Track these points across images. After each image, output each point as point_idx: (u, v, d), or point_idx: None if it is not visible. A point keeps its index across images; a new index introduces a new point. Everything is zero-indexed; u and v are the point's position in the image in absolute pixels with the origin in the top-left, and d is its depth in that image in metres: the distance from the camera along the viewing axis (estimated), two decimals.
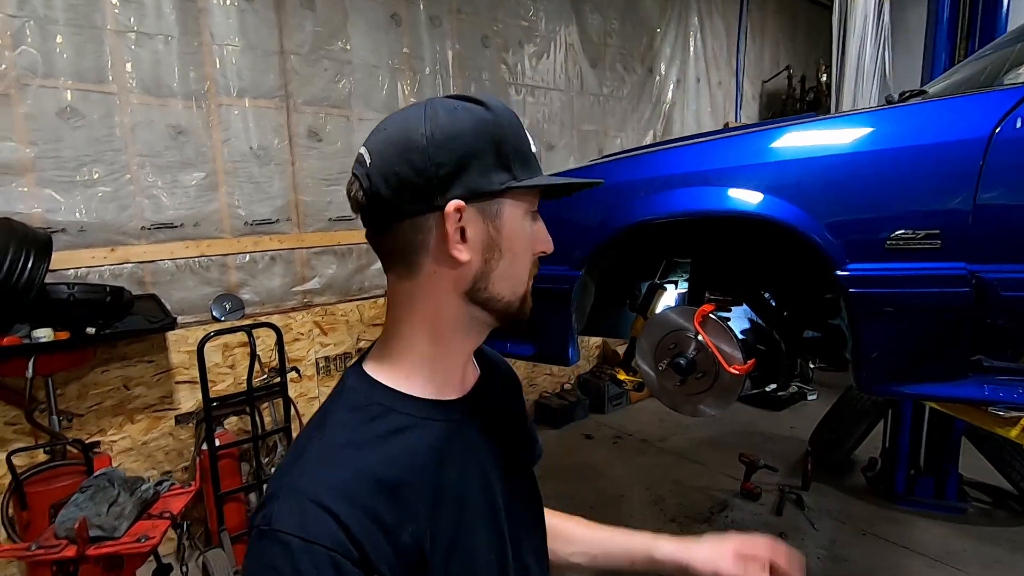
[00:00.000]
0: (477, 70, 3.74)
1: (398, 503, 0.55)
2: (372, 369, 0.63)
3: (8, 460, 1.85)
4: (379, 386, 0.61)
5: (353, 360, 0.69)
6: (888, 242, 1.15)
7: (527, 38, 3.99)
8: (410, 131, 0.57)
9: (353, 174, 0.60)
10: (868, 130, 1.22)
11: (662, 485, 3.23)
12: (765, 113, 6.11)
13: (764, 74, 6.06)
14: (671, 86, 5.01)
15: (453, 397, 0.65)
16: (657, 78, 4.91)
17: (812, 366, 4.87)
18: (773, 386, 1.77)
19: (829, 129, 1.28)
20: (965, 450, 2.86)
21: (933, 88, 1.50)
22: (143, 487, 1.50)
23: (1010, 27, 2.50)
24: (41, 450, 2.19)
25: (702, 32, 5.20)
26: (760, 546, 0.79)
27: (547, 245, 0.66)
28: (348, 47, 3.16)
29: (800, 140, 1.29)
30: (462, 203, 0.57)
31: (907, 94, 1.47)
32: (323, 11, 3.05)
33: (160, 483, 1.59)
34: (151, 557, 1.45)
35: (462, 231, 0.58)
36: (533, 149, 0.63)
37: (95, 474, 1.55)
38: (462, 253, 0.59)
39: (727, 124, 5.55)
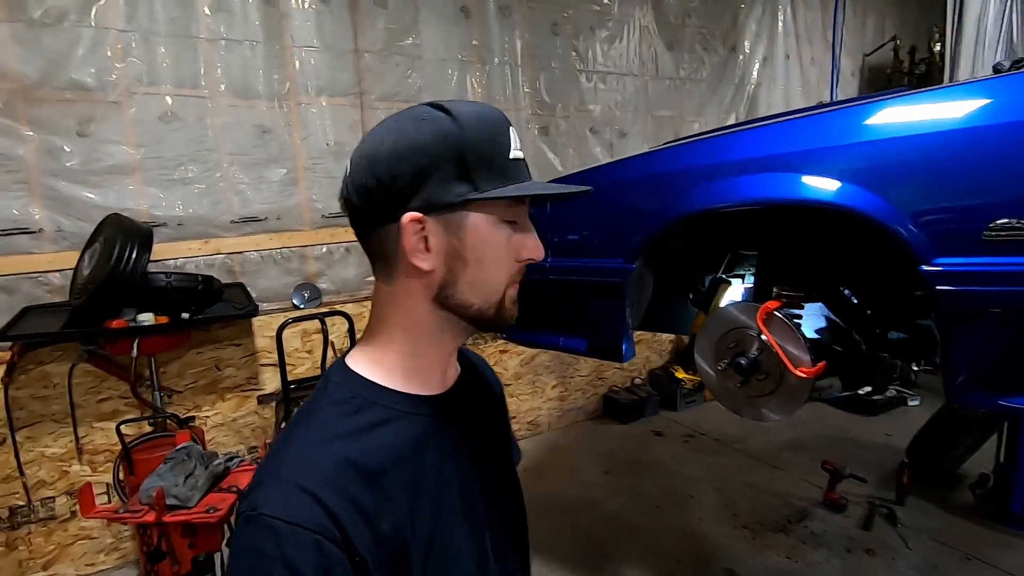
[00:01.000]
0: (546, 59, 3.69)
1: (378, 492, 0.56)
2: (356, 365, 0.65)
3: (117, 430, 2.08)
4: (362, 380, 0.63)
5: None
6: (986, 233, 1.00)
7: (599, 23, 3.88)
8: (377, 143, 0.60)
9: (342, 181, 0.63)
10: (964, 104, 1.07)
11: (736, 488, 3.07)
12: (867, 90, 5.56)
13: (866, 47, 5.51)
14: (756, 65, 4.68)
15: (434, 393, 0.67)
16: (741, 57, 4.60)
17: (915, 368, 4.42)
18: (868, 389, 1.62)
19: (915, 105, 1.13)
20: None
21: None
22: (216, 462, 1.64)
23: None
24: (146, 422, 2.44)
25: (793, 4, 4.81)
26: None
27: (533, 252, 0.64)
28: (419, 42, 3.23)
29: (881, 119, 1.15)
30: (419, 215, 0.58)
31: (1022, 61, 1.27)
32: (395, 8, 3.13)
33: (231, 459, 1.72)
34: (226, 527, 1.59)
35: (425, 240, 0.59)
36: (514, 155, 0.61)
37: (176, 448, 1.71)
38: (423, 263, 0.60)
39: (821, 103, 5.12)
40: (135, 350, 2.27)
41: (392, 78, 3.18)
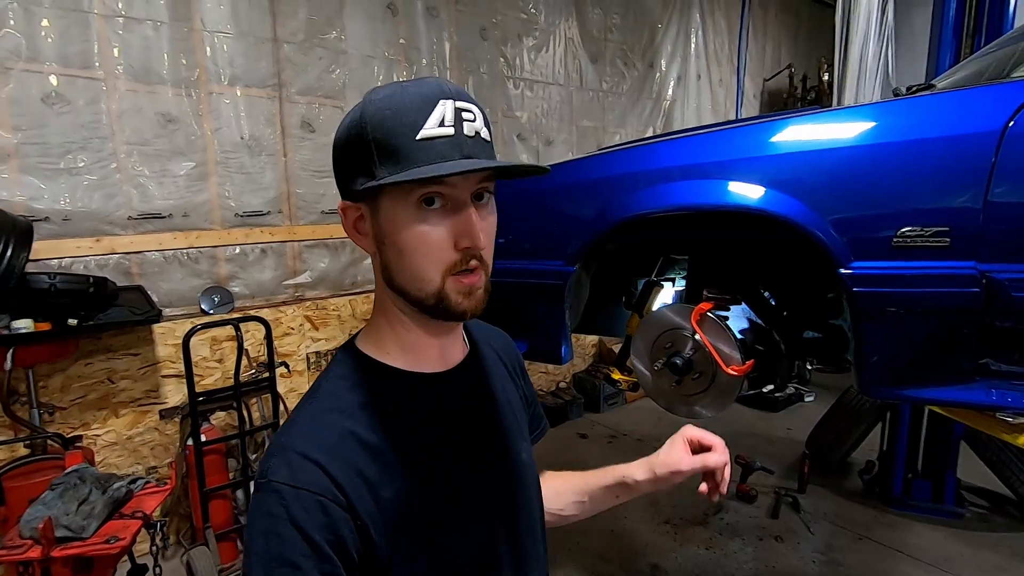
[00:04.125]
0: (475, 62, 3.68)
1: (379, 462, 0.59)
2: (361, 344, 0.68)
3: None
4: (365, 358, 0.66)
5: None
6: (895, 239, 1.10)
7: (526, 31, 3.93)
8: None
9: None
10: (875, 123, 1.17)
11: None
12: (766, 111, 6.06)
13: (766, 72, 6.01)
14: (672, 83, 4.96)
15: (435, 371, 0.68)
16: (658, 74, 4.85)
17: (810, 367, 4.84)
18: (770, 387, 1.73)
19: (834, 122, 1.23)
20: (963, 454, 2.83)
21: (941, 83, 1.46)
22: (116, 485, 1.44)
23: (1016, 26, 2.46)
24: (21, 444, 2.13)
25: (704, 29, 5.15)
26: (708, 436, 0.81)
27: (465, 239, 0.59)
28: (343, 36, 3.10)
29: (804, 133, 1.24)
30: (346, 203, 0.63)
31: (915, 88, 1.43)
32: None
33: (134, 481, 1.53)
34: (126, 558, 1.40)
35: (359, 224, 0.64)
36: (427, 134, 0.57)
37: (66, 471, 1.49)
38: (362, 245, 0.65)
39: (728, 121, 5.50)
40: (9, 361, 1.98)
41: (314, 72, 3.03)
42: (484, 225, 0.61)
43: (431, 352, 0.68)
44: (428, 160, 0.56)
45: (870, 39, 3.97)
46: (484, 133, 0.60)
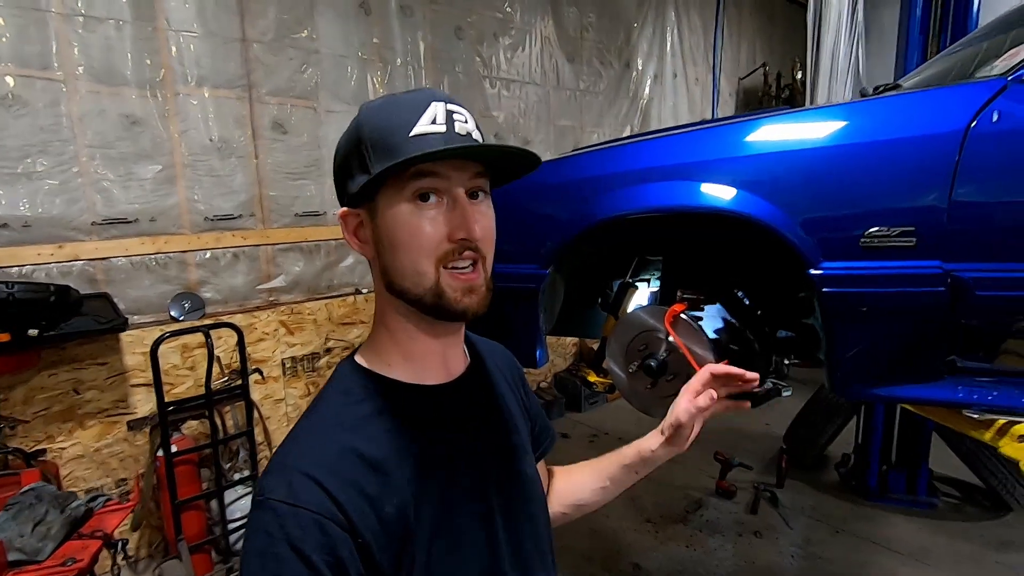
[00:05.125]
0: (450, 62, 3.65)
1: (381, 477, 0.58)
2: (361, 358, 0.68)
3: None
4: (366, 372, 0.65)
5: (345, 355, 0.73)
6: (863, 240, 1.10)
7: (502, 30, 3.91)
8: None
9: None
10: (842, 124, 1.18)
11: (638, 484, 3.19)
12: (742, 110, 6.12)
13: (741, 71, 6.07)
14: (648, 81, 4.98)
15: (436, 383, 0.68)
16: (634, 73, 4.87)
17: (787, 362, 4.91)
18: None
19: (802, 122, 1.23)
20: (935, 445, 2.88)
21: (907, 83, 1.47)
22: (74, 504, 1.39)
23: (981, 24, 2.50)
24: None
25: (679, 28, 5.17)
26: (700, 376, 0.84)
27: (460, 230, 0.60)
28: (315, 36, 3.05)
29: (772, 134, 1.24)
30: (345, 209, 0.65)
31: (881, 88, 1.44)
32: None
33: (95, 499, 1.48)
34: None
35: (358, 231, 0.65)
36: (420, 130, 0.59)
37: (22, 490, 1.43)
38: (361, 251, 0.65)
39: (704, 120, 5.54)
40: None
41: (285, 72, 2.97)
42: (480, 218, 0.61)
43: (434, 361, 0.68)
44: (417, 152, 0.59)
45: (841, 38, 4.03)
46: (476, 135, 0.62)
